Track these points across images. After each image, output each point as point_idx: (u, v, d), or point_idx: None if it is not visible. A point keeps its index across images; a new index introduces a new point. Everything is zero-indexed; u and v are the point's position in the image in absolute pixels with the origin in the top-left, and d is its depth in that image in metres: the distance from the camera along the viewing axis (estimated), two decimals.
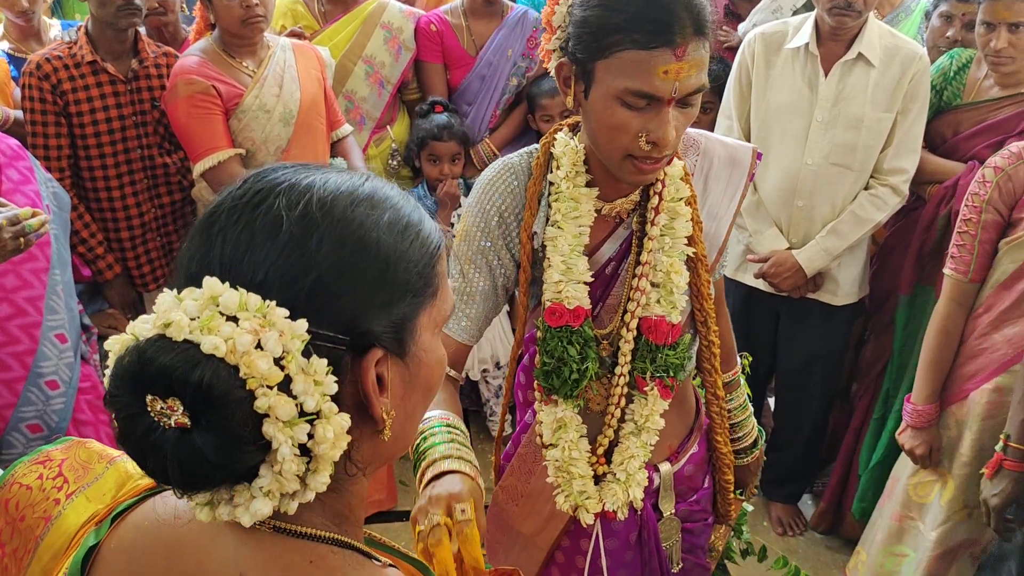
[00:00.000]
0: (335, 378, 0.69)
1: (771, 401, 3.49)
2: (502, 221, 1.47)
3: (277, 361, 0.66)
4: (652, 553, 1.63)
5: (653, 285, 1.48)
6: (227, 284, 0.68)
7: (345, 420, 0.70)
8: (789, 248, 2.68)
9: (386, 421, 0.75)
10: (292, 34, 2.94)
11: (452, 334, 1.46)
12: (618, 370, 1.50)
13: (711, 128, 2.82)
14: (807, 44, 2.57)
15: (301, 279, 0.70)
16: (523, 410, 1.67)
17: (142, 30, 2.77)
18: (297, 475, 0.69)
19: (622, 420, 1.53)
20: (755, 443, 1.77)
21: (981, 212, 2.04)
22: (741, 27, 3.08)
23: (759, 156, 1.57)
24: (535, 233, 1.45)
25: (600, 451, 1.54)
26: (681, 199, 1.47)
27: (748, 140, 2.72)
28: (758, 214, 2.71)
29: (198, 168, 2.59)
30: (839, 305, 2.78)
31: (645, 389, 1.50)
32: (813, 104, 2.60)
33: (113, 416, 0.69)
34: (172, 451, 0.65)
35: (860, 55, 2.53)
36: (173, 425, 0.65)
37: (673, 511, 1.64)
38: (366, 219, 0.74)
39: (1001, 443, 1.96)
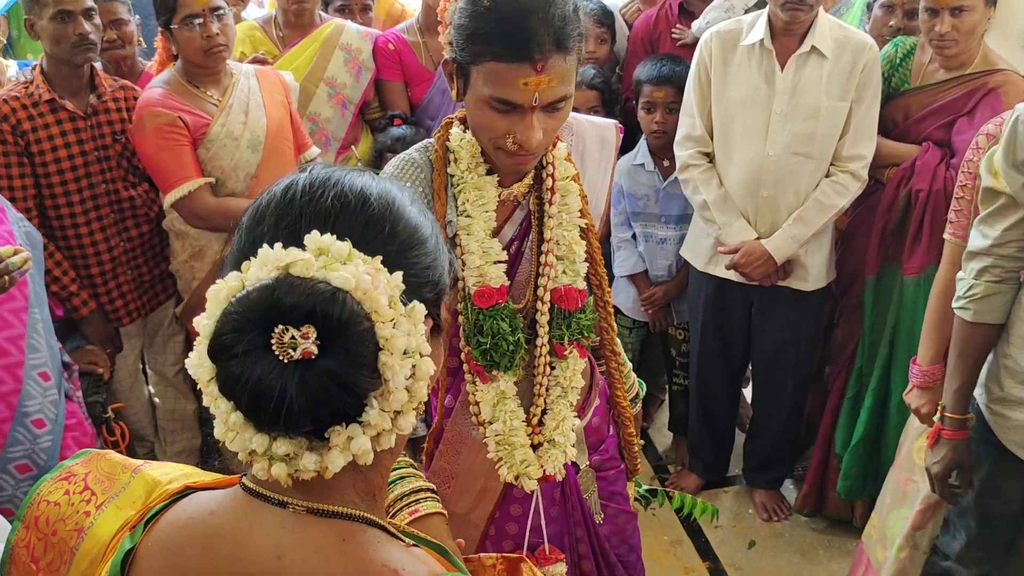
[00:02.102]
0: (426, 325, 0.78)
1: (746, 391, 3.57)
2: None
3: (387, 303, 0.73)
4: (575, 506, 1.75)
5: (558, 258, 1.60)
6: (332, 237, 0.75)
7: (431, 365, 0.76)
8: (758, 238, 2.75)
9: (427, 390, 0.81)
10: (255, 61, 2.94)
11: None
12: (539, 340, 1.62)
13: (675, 125, 2.89)
14: (762, 40, 2.65)
15: (386, 245, 0.79)
16: (435, 396, 1.74)
17: (98, 65, 2.75)
18: (393, 414, 0.74)
19: (548, 387, 1.64)
20: (636, 396, 1.90)
21: (976, 177, 2.12)
22: (695, 25, 3.16)
23: (622, 130, 1.76)
24: (449, 222, 1.53)
25: (534, 420, 1.64)
26: (568, 177, 1.60)
27: (711, 136, 2.80)
28: (725, 207, 2.78)
29: (168, 199, 2.58)
30: (809, 291, 2.86)
31: (565, 353, 1.62)
32: (771, 97, 2.67)
33: (221, 363, 0.72)
34: (297, 382, 0.69)
35: (813, 48, 2.62)
36: (298, 356, 0.69)
37: (588, 463, 1.77)
38: (415, 211, 0.85)
39: (939, 414, 2.04)
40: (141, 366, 3.18)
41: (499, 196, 1.55)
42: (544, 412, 1.65)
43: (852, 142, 2.68)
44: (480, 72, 1.37)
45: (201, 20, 2.52)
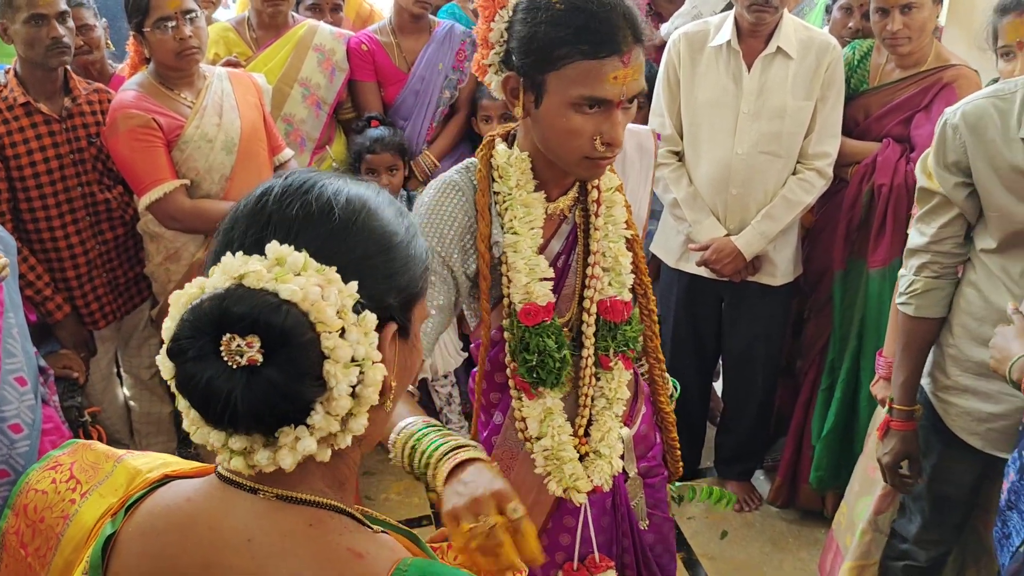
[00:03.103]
0: (377, 334, 0.80)
1: (717, 385, 3.63)
2: (456, 237, 1.51)
3: (337, 312, 0.77)
4: (624, 515, 1.75)
5: (604, 270, 1.61)
6: (289, 247, 0.79)
7: (382, 370, 0.80)
8: (727, 235, 2.81)
9: (392, 392, 0.84)
10: (228, 63, 2.95)
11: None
12: (584, 352, 1.61)
13: (645, 123, 2.94)
14: (728, 41, 2.71)
15: (347, 254, 0.81)
16: (485, 413, 1.73)
17: (71, 68, 2.74)
18: (340, 418, 0.78)
19: (593, 398, 1.64)
20: (671, 396, 1.94)
21: None
22: (663, 28, 3.21)
23: (658, 137, 1.75)
24: (495, 243, 1.52)
25: (580, 432, 1.63)
26: (613, 188, 1.61)
27: (680, 136, 2.85)
28: (695, 204, 2.83)
29: (143, 201, 2.58)
30: (777, 285, 2.93)
31: (610, 364, 1.62)
32: (738, 98, 2.73)
33: (178, 365, 0.76)
34: (242, 388, 0.74)
35: (779, 49, 2.68)
36: (244, 363, 0.74)
37: (636, 470, 1.78)
38: (388, 216, 0.87)
39: (887, 406, 2.12)
40: (116, 369, 3.18)
41: (545, 211, 1.55)
42: (589, 423, 1.65)
43: (817, 140, 2.75)
44: (563, 76, 1.37)
45: (174, 23, 2.53)
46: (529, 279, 1.52)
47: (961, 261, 2.01)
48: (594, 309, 1.60)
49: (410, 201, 3.23)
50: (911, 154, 2.68)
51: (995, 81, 2.35)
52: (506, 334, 1.57)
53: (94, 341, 2.87)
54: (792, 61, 2.69)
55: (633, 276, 1.65)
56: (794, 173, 2.78)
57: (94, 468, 0.95)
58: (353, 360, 0.77)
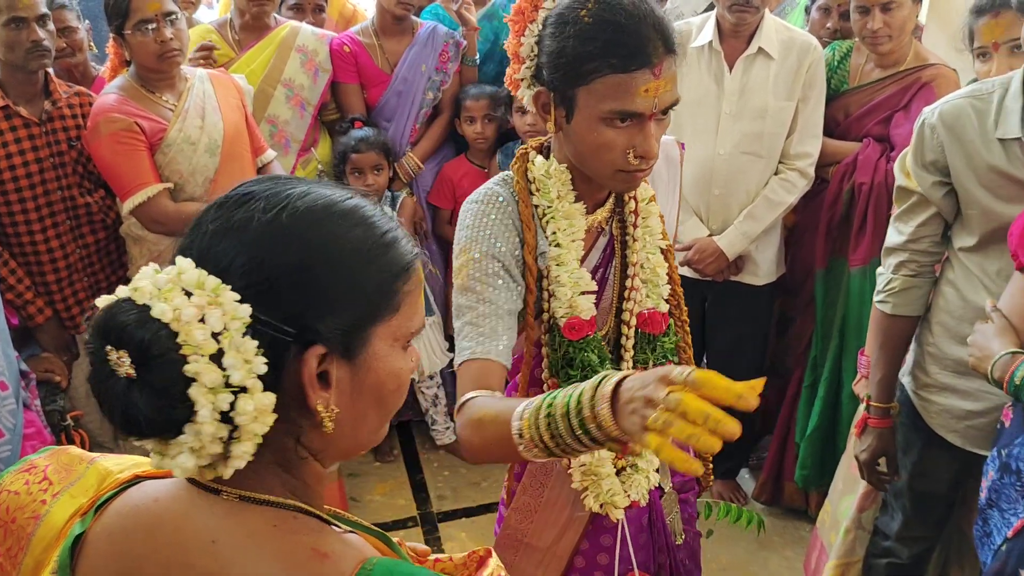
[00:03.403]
0: (265, 360, 0.78)
1: None
2: (509, 250, 1.46)
3: (216, 335, 0.76)
4: (660, 531, 1.72)
5: (642, 282, 1.58)
6: (192, 263, 0.79)
7: (269, 399, 0.79)
8: (710, 235, 2.82)
9: (323, 414, 0.82)
10: (203, 48, 2.92)
11: (494, 356, 1.39)
12: (623, 366, 1.58)
13: None
14: (711, 42, 2.72)
15: (257, 272, 0.80)
16: None
17: (52, 71, 2.73)
18: (220, 439, 0.78)
19: None
20: None
21: None
22: None
23: (682, 147, 1.72)
24: (542, 253, 1.49)
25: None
26: (648, 199, 1.58)
27: None
28: None
29: (127, 205, 2.57)
30: (760, 285, 2.95)
31: None
32: (720, 98, 2.75)
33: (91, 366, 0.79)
34: (118, 398, 0.77)
35: (760, 49, 2.70)
36: (123, 375, 0.76)
37: (672, 485, 1.75)
38: (333, 231, 0.84)
39: (864, 403, 2.14)
40: None
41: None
42: None
43: (799, 140, 2.77)
44: (593, 90, 1.35)
45: (154, 25, 2.51)
46: (573, 292, 1.49)
47: (939, 260, 2.03)
48: (633, 322, 1.58)
49: (393, 202, 3.22)
50: (891, 153, 2.70)
51: (974, 81, 2.37)
52: (545, 349, 1.54)
53: (76, 344, 2.86)
54: (773, 61, 2.71)
55: (669, 287, 1.63)
56: (776, 173, 2.80)
57: (67, 470, 0.96)
58: (229, 386, 0.76)
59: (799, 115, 2.75)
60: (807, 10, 3.19)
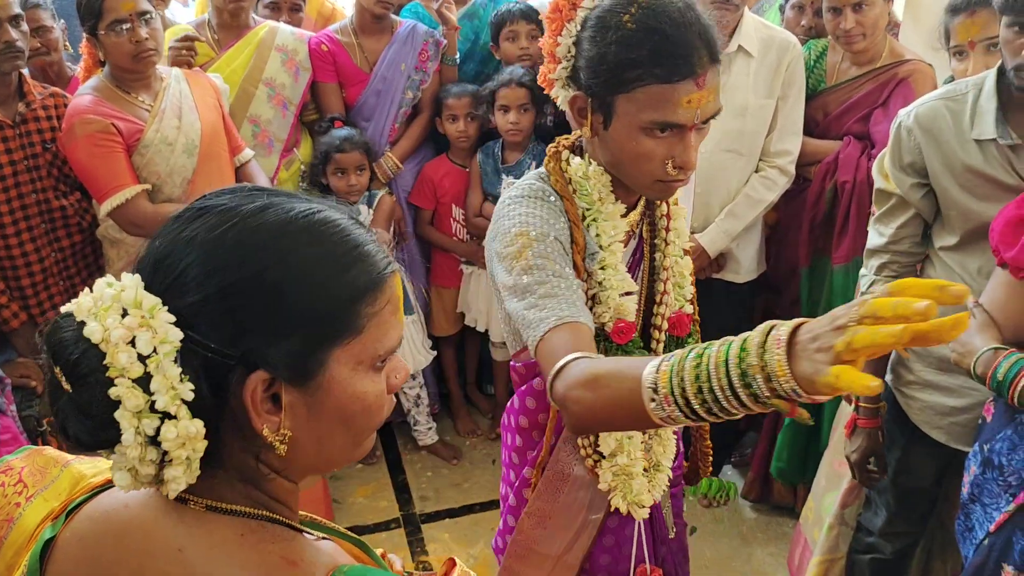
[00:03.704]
0: (192, 387, 0.76)
1: None
2: (561, 237, 1.41)
3: (144, 358, 0.75)
4: (660, 525, 1.73)
5: (674, 285, 1.58)
6: (139, 280, 0.78)
7: (196, 426, 0.77)
8: (692, 233, 2.82)
9: (270, 438, 0.80)
10: (186, 38, 2.88)
11: (583, 319, 1.30)
12: None
13: None
14: None
15: (194, 293, 0.78)
16: (528, 434, 1.66)
17: (26, 72, 2.69)
18: (152, 461, 0.78)
19: None
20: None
21: None
22: None
23: None
24: (592, 254, 1.46)
25: (644, 448, 1.60)
26: (675, 201, 1.58)
27: None
28: None
29: (104, 207, 2.53)
30: (741, 282, 2.95)
31: None
32: None
33: None
34: (60, 411, 0.78)
35: (740, 47, 2.70)
36: (66, 390, 0.77)
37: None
38: (285, 251, 0.80)
39: (853, 404, 2.16)
40: None
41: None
42: (649, 437, 1.62)
43: (779, 138, 2.77)
44: (634, 99, 1.30)
45: (129, 25, 2.47)
46: (618, 295, 1.46)
47: (920, 260, 2.04)
48: (665, 325, 1.57)
49: (371, 200, 3.21)
50: (871, 151, 2.72)
51: (951, 79, 2.39)
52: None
53: None
54: (753, 59, 2.71)
55: (692, 288, 1.63)
56: (757, 171, 2.80)
57: (42, 472, 0.95)
58: (155, 411, 0.75)
59: (779, 113, 2.76)
60: (781, 8, 3.20)
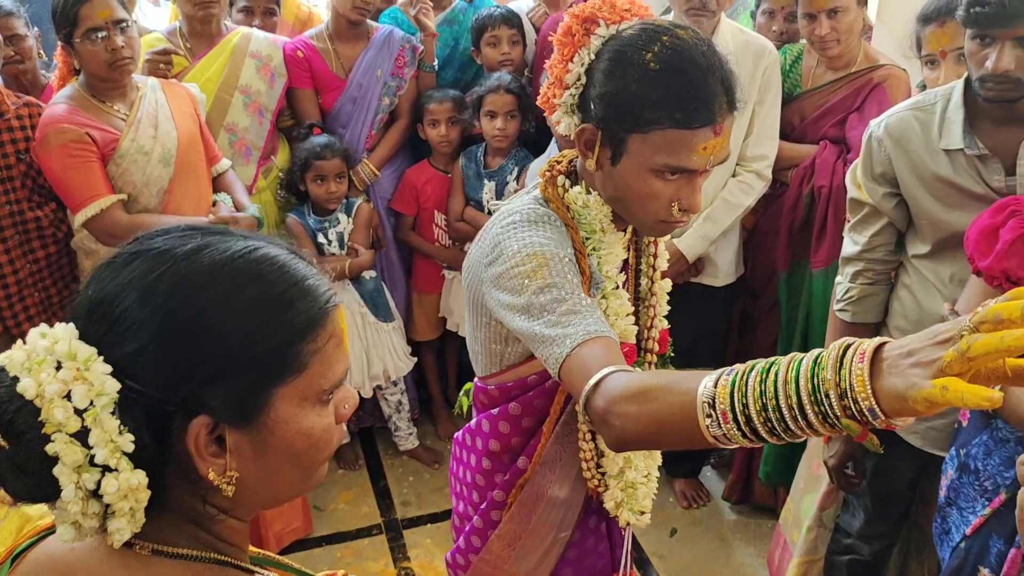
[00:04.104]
0: (133, 439, 0.76)
1: None
2: (572, 269, 1.35)
3: (81, 412, 0.74)
4: (616, 531, 1.75)
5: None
6: (73, 330, 0.77)
7: (137, 477, 0.76)
8: (670, 238, 2.84)
9: (217, 481, 0.80)
10: (164, 51, 2.84)
11: (612, 334, 1.25)
12: None
13: None
14: None
15: (131, 340, 0.77)
16: (499, 458, 1.64)
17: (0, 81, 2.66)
18: (95, 514, 0.77)
19: None
20: None
21: None
22: None
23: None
24: (598, 283, 1.44)
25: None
26: None
27: None
28: None
29: (79, 218, 2.51)
30: (719, 286, 2.97)
31: None
32: None
33: None
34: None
35: None
36: (2, 445, 0.75)
37: None
38: (218, 296, 0.79)
39: None
40: None
41: None
42: None
43: (756, 143, 2.79)
44: (649, 141, 1.28)
45: (104, 33, 2.45)
46: (620, 320, 1.45)
47: (894, 267, 2.07)
48: (656, 348, 1.58)
49: (349, 208, 3.20)
50: (847, 155, 2.74)
51: (923, 85, 2.42)
52: None
53: None
54: None
55: (669, 307, 1.64)
56: (734, 175, 2.82)
57: None
58: (94, 464, 0.75)
59: (755, 118, 2.78)
60: (753, 14, 3.23)
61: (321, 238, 3.16)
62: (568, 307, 1.26)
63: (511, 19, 3.25)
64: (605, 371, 1.14)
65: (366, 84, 3.20)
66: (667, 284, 1.63)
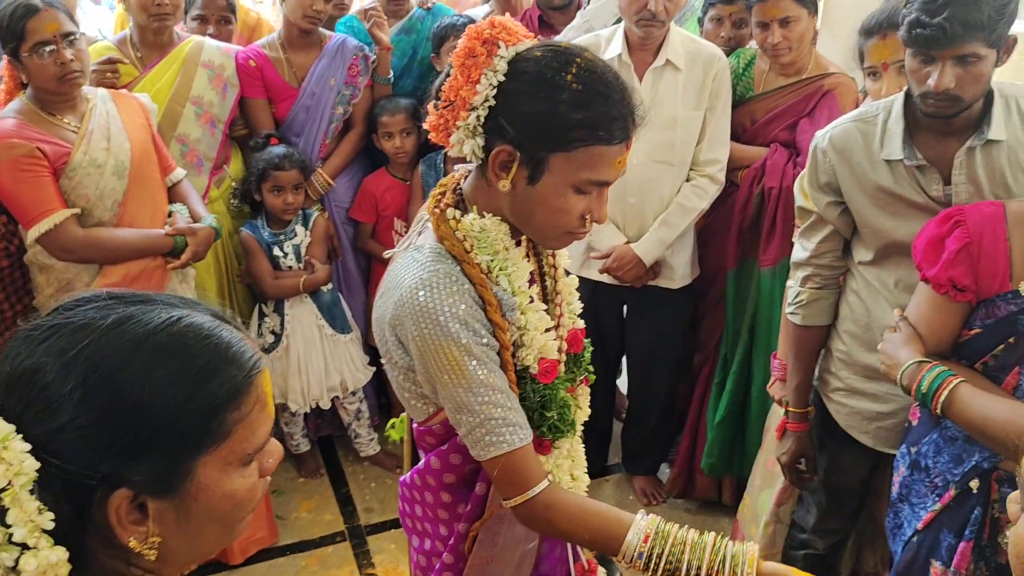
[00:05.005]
0: (51, 515, 0.76)
1: (621, 382, 3.73)
2: (477, 320, 1.38)
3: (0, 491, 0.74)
4: None
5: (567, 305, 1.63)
6: None
7: (57, 554, 0.77)
8: (627, 242, 2.89)
9: (140, 547, 0.81)
10: (109, 60, 2.81)
11: (524, 441, 1.38)
12: None
13: None
14: (620, 54, 2.78)
15: (51, 418, 0.77)
16: (458, 488, 1.62)
17: None
18: None
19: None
20: None
21: None
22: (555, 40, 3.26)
23: None
24: (512, 309, 1.44)
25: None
26: None
27: None
28: None
29: (32, 234, 2.47)
30: (676, 288, 3.03)
31: (577, 392, 1.64)
32: None
33: None
34: None
35: (668, 61, 2.77)
36: None
37: None
38: (139, 372, 0.79)
39: (784, 409, 2.26)
40: None
41: None
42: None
43: (708, 148, 2.85)
44: (572, 158, 1.32)
45: (53, 47, 2.41)
46: (538, 335, 1.46)
47: (842, 272, 2.14)
48: (564, 347, 1.60)
49: (306, 219, 3.19)
50: (797, 159, 2.81)
51: (865, 93, 2.50)
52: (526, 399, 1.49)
53: None
54: (681, 72, 2.78)
55: (581, 304, 1.67)
56: (688, 180, 2.88)
57: None
58: (12, 542, 0.75)
59: (707, 123, 2.84)
60: (700, 21, 3.29)
61: (277, 251, 3.14)
62: (500, 413, 1.38)
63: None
64: (545, 483, 1.40)
65: (319, 93, 3.19)
66: (573, 281, 1.64)
